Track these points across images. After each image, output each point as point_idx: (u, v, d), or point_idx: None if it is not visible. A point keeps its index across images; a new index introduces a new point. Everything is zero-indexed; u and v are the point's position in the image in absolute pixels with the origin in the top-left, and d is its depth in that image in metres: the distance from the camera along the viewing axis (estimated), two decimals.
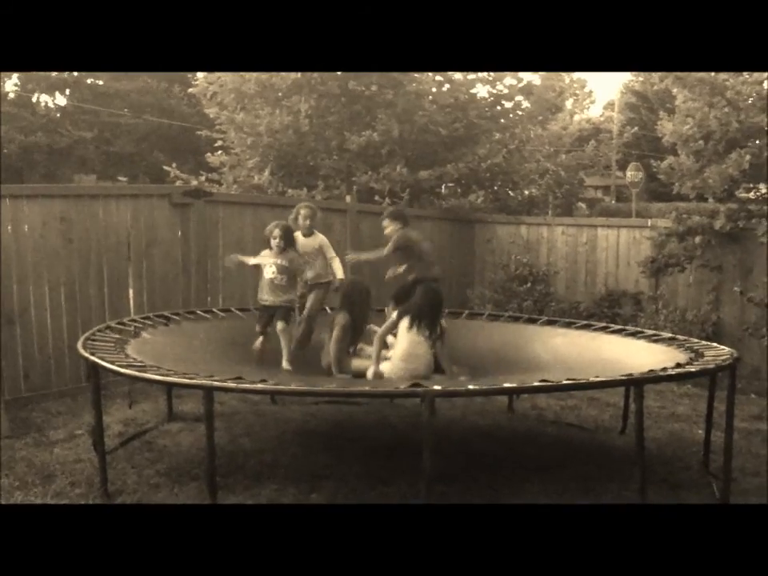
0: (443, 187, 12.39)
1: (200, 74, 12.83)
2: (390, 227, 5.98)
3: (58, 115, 30.32)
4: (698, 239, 8.38)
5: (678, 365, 4.62)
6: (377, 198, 10.77)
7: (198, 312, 6.43)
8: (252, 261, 5.89)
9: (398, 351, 5.33)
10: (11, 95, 29.19)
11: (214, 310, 6.63)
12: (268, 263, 5.72)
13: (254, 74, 11.43)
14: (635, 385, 4.33)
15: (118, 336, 5.27)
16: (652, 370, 4.46)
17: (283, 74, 11.13)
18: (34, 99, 29.94)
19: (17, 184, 12.12)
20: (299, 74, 11.16)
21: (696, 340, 5.68)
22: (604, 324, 6.56)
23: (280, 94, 11.83)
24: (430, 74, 11.97)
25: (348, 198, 9.66)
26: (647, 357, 5.17)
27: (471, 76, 12.15)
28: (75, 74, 28.93)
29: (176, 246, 7.53)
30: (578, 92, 38.50)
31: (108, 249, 6.96)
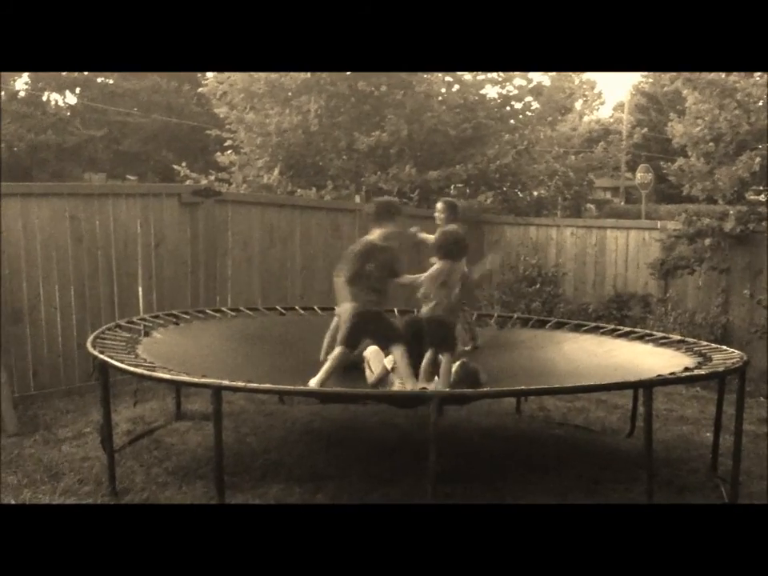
0: (452, 188, 12.37)
1: (210, 74, 12.84)
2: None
3: (68, 114, 30.43)
4: (707, 241, 8.34)
5: (687, 368, 4.61)
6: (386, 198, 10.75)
7: (208, 311, 6.45)
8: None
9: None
10: (22, 94, 29.32)
11: (224, 309, 6.64)
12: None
13: (264, 74, 11.42)
14: (644, 387, 4.31)
15: (127, 335, 5.29)
16: (661, 373, 4.45)
17: (292, 73, 11.13)
18: (45, 98, 30.05)
19: (26, 182, 12.15)
20: (308, 74, 11.16)
21: (705, 343, 5.65)
22: (613, 326, 6.53)
23: (289, 94, 11.83)
24: (440, 74, 11.96)
25: (357, 199, 9.66)
26: (656, 359, 5.15)
27: (481, 77, 12.13)
28: (85, 73, 29.02)
29: (185, 245, 7.54)
30: (587, 93, 38.49)
31: (117, 247, 6.98)
